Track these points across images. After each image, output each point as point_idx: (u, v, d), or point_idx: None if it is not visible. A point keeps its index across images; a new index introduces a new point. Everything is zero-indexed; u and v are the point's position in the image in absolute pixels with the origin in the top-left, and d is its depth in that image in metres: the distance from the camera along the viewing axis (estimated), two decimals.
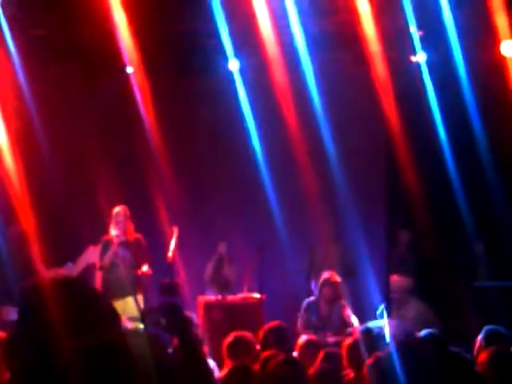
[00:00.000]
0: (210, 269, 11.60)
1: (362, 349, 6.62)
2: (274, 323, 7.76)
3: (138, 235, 10.34)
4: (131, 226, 10.28)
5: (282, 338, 7.38)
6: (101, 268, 10.12)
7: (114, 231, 10.20)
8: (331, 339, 9.31)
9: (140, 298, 10.03)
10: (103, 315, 2.09)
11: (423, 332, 6.72)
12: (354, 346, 6.70)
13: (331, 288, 10.10)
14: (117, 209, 10.30)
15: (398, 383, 3.70)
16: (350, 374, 6.40)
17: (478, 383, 4.44)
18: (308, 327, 9.84)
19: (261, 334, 7.49)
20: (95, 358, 1.99)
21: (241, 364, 6.01)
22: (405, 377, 3.67)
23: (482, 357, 5.03)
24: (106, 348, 2.01)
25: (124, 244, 10.21)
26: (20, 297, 2.13)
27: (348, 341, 6.90)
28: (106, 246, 10.19)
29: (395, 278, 10.44)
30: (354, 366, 6.39)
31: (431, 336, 6.41)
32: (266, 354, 6.26)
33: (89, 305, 2.10)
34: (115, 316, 2.17)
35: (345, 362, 6.61)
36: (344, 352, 6.70)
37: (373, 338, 7.25)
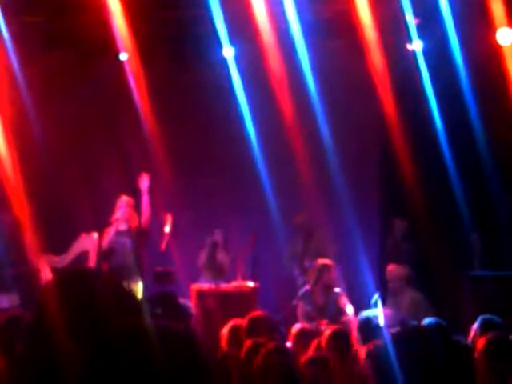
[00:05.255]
0: (203, 255, 11.55)
1: (358, 338, 6.58)
2: (259, 313, 7.58)
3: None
4: (135, 215, 10.30)
5: (269, 328, 7.19)
6: (101, 255, 10.16)
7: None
8: (325, 328, 9.24)
9: (138, 286, 9.97)
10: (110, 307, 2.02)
11: (428, 320, 6.68)
12: (337, 335, 6.63)
13: (330, 273, 10.06)
14: (121, 197, 10.34)
15: (394, 372, 3.68)
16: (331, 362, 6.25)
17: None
18: (303, 317, 9.79)
19: (245, 322, 7.27)
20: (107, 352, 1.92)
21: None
22: (401, 366, 3.64)
23: (480, 343, 5.02)
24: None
25: (125, 232, 10.23)
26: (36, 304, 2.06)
27: (328, 331, 6.80)
28: (106, 233, 10.25)
29: (392, 267, 10.46)
30: (337, 355, 6.33)
31: (436, 325, 6.37)
32: (250, 342, 6.15)
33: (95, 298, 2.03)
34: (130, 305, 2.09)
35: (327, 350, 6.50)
36: (325, 340, 6.61)
37: (371, 328, 7.22)
